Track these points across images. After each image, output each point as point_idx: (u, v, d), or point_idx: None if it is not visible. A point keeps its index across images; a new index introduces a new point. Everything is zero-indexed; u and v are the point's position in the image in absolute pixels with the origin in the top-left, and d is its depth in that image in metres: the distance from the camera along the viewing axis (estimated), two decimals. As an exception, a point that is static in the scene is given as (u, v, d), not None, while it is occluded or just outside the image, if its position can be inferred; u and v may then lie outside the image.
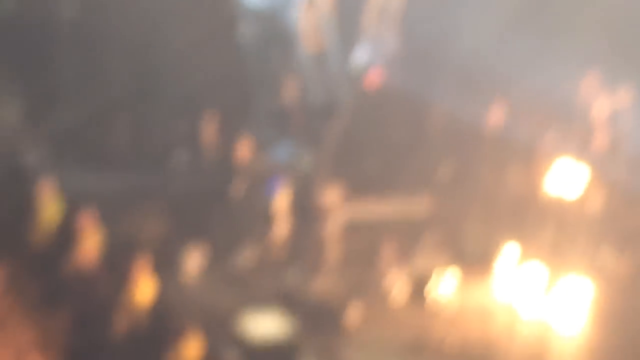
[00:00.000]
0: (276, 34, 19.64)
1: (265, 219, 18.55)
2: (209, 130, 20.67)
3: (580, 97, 20.73)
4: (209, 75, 20.68)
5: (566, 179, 19.01)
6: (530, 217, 19.01)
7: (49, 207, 18.35)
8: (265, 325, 15.18)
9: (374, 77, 22.41)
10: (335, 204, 18.07)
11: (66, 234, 17.37)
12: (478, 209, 19.42)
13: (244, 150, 19.33)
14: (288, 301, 16.19)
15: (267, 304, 16.00)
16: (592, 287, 16.16)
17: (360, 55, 22.84)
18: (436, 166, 21.25)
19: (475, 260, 17.56)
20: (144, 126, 22.38)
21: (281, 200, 18.21)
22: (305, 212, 18.14)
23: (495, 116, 21.16)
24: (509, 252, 17.31)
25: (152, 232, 18.33)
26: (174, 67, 22.60)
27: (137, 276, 15.62)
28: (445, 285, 17.16)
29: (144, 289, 15.67)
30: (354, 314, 15.95)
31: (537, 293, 16.31)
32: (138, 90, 23.50)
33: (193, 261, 17.79)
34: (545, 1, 23.29)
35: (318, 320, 15.79)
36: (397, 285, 17.23)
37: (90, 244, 16.82)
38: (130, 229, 18.21)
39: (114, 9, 24.32)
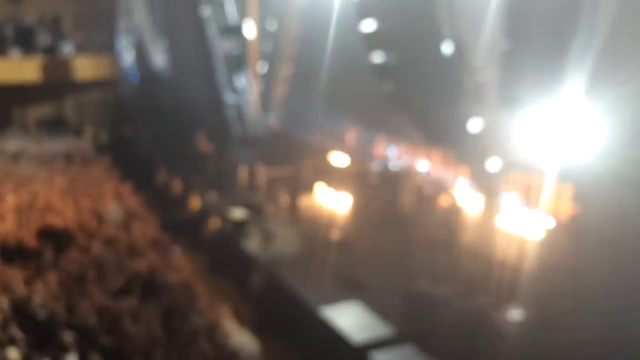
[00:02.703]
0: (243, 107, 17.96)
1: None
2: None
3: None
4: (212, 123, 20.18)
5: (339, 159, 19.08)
6: (323, 174, 18.32)
7: (161, 175, 19.72)
8: (239, 214, 15.95)
9: (274, 125, 22.08)
10: (261, 171, 18.29)
11: (168, 185, 19.07)
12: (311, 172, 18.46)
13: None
14: (247, 206, 16.63)
15: (239, 207, 16.50)
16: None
17: (270, 117, 21.92)
18: (294, 156, 20.41)
19: (309, 189, 17.13)
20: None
21: (242, 170, 18.35)
22: (251, 174, 18.18)
23: (313, 138, 20.30)
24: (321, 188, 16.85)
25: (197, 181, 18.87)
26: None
27: (192, 199, 17.48)
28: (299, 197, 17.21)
29: (195, 203, 17.44)
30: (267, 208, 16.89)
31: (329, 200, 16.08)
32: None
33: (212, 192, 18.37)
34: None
35: (258, 212, 16.39)
36: (283, 197, 17.66)
37: (176, 187, 18.60)
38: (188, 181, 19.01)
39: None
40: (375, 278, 12.21)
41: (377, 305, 10.89)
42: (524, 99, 10.88)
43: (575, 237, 12.55)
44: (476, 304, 10.09)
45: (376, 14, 12.92)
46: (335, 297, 11.11)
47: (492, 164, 13.34)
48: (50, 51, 26.29)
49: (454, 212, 13.21)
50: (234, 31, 17.23)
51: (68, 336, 8.44)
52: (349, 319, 9.88)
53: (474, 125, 12.62)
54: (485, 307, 10.05)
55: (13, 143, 23.22)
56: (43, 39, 26.52)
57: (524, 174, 13.63)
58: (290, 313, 11.78)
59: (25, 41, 26.01)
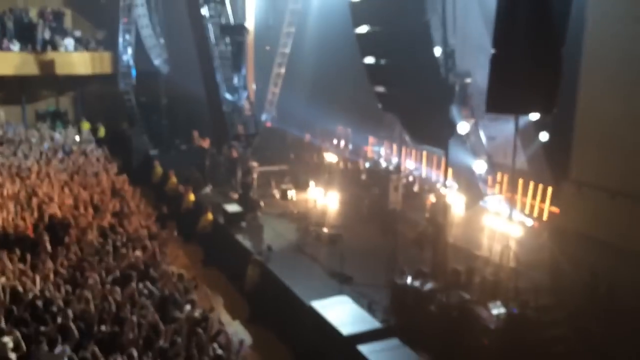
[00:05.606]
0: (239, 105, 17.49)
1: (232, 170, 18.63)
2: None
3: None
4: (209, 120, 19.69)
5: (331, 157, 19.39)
6: (316, 170, 19.15)
7: (158, 169, 19.34)
8: (232, 207, 15.82)
9: (268, 124, 22.78)
10: (254, 166, 17.74)
11: (164, 178, 18.64)
12: (304, 169, 19.67)
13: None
14: (240, 200, 16.61)
15: (233, 201, 16.72)
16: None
17: (264, 116, 22.79)
18: (289, 153, 21.52)
19: (302, 186, 17.81)
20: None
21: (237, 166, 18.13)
22: (246, 167, 17.58)
23: (306, 136, 21.44)
24: (313, 184, 17.20)
25: (193, 176, 18.73)
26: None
27: (188, 192, 16.97)
28: (292, 193, 17.70)
29: (191, 196, 16.88)
30: (262, 203, 16.57)
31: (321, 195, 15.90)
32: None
33: (208, 187, 18.65)
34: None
35: (250, 206, 16.05)
36: (277, 192, 18.05)
37: (173, 181, 18.05)
38: (184, 175, 18.64)
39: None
40: (363, 272, 12.19)
41: (364, 299, 10.91)
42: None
43: (553, 235, 12.68)
44: (460, 298, 9.93)
45: (369, 18, 12.91)
46: (325, 291, 11.09)
47: (478, 165, 13.46)
48: (51, 46, 26.32)
49: (440, 209, 13.12)
50: (233, 30, 17.01)
51: (65, 323, 8.26)
52: (338, 313, 9.76)
53: (462, 127, 12.70)
54: (469, 301, 9.95)
55: (13, 135, 23.18)
56: (44, 33, 26.42)
57: (507, 175, 14.08)
58: (281, 306, 11.67)
59: (26, 35, 26.03)
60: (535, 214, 14.26)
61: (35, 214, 13.44)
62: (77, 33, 27.47)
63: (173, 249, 13.40)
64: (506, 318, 9.49)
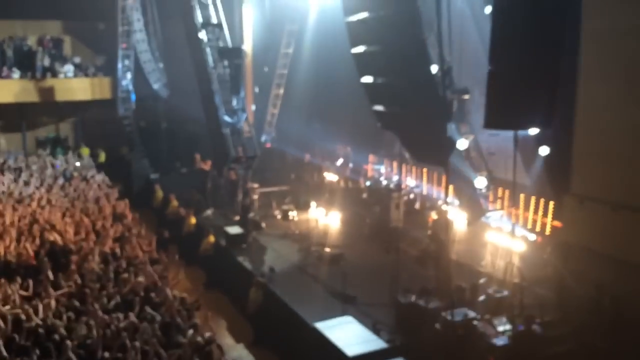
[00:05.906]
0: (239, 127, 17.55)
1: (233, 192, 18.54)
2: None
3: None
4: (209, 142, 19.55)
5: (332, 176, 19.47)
6: (317, 190, 19.43)
7: (159, 192, 19.37)
8: (233, 229, 15.85)
9: (268, 145, 22.98)
10: (254, 187, 18.17)
11: (165, 202, 18.67)
12: (305, 189, 19.90)
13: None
14: (240, 222, 16.47)
15: (234, 223, 16.61)
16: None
17: (264, 137, 23.16)
18: (289, 173, 21.71)
19: (303, 206, 17.82)
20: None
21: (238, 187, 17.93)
22: (245, 189, 17.64)
23: (306, 156, 21.67)
24: (314, 203, 17.10)
25: (194, 198, 18.85)
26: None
27: (189, 215, 16.90)
28: (293, 213, 17.45)
29: (192, 219, 16.83)
30: (264, 224, 16.87)
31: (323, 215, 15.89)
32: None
33: (209, 209, 18.63)
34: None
35: (252, 227, 16.23)
36: (278, 213, 17.91)
37: (174, 205, 17.97)
38: (185, 198, 18.68)
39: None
40: (367, 292, 12.11)
41: (369, 318, 10.83)
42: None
43: (556, 250, 12.65)
44: (465, 316, 9.85)
45: (366, 38, 13.00)
46: (329, 311, 11.03)
47: (479, 181, 13.42)
48: (50, 73, 26.40)
49: (442, 226, 12.97)
50: (231, 53, 17.07)
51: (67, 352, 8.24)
52: (342, 334, 9.71)
53: (461, 143, 12.69)
54: (474, 319, 9.88)
55: (14, 162, 23.18)
56: (43, 60, 26.55)
57: (508, 190, 14.00)
58: (284, 328, 11.43)
59: (25, 63, 26.09)
60: (538, 228, 14.22)
61: (37, 241, 13.40)
62: (77, 59, 27.62)
63: (175, 273, 13.19)
64: (512, 334, 9.44)
